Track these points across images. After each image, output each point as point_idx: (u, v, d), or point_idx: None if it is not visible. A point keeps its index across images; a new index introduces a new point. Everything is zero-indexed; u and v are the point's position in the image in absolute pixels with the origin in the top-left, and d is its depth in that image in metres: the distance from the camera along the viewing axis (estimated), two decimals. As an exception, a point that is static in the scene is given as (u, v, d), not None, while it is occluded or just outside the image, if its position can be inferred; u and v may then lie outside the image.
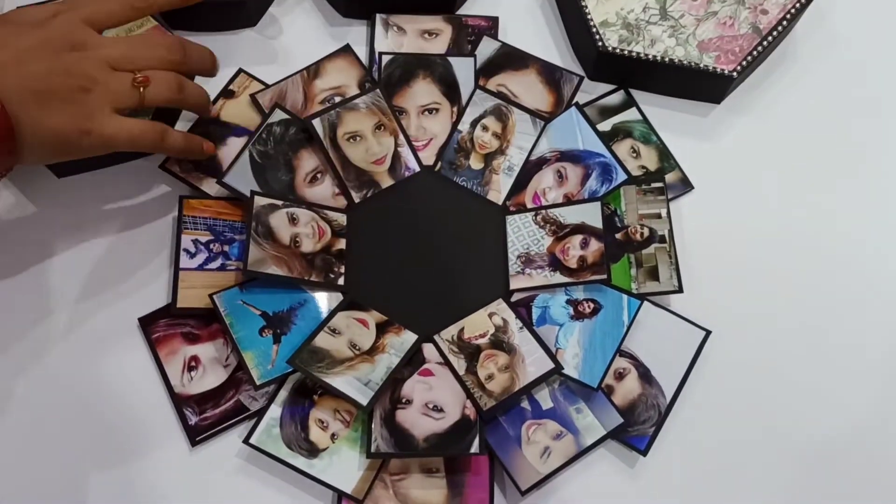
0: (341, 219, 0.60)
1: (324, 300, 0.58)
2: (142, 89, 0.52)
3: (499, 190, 0.62)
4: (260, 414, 0.55)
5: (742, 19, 0.64)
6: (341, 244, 0.59)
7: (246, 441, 0.54)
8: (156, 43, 0.55)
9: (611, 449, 0.56)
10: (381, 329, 0.57)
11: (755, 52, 0.63)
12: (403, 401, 0.55)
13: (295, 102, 0.63)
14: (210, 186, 0.60)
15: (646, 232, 0.60)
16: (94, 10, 0.53)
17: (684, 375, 0.57)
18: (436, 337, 0.57)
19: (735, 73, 0.63)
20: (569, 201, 0.61)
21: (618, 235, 0.61)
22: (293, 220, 0.58)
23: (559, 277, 0.58)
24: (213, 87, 0.64)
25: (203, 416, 0.56)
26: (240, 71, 0.65)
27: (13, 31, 0.50)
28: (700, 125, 0.66)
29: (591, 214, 0.60)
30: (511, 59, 0.66)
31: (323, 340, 0.56)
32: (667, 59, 0.63)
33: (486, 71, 0.65)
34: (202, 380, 0.56)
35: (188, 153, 0.57)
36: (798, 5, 0.64)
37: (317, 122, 0.61)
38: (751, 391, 0.58)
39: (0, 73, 0.47)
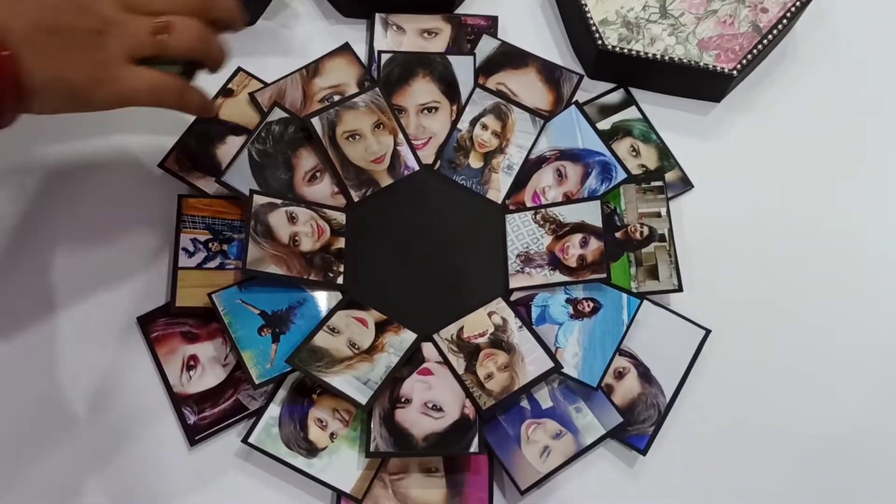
0: (340, 217, 0.60)
1: (323, 299, 0.58)
2: (163, 36, 0.46)
3: (498, 189, 0.61)
4: (259, 413, 0.55)
5: (742, 18, 0.64)
6: (340, 243, 0.59)
7: (245, 440, 0.54)
8: None
9: (610, 448, 0.56)
10: (381, 328, 0.57)
11: (755, 51, 0.63)
12: (403, 400, 0.55)
13: (294, 101, 0.63)
14: (209, 185, 0.60)
15: (645, 231, 0.60)
16: None
17: (684, 374, 0.57)
18: (435, 336, 0.57)
19: (735, 72, 0.63)
20: (568, 200, 0.61)
21: (617, 234, 0.61)
22: (292, 218, 0.58)
23: (559, 276, 0.58)
24: (212, 86, 0.64)
25: (202, 416, 0.55)
26: (239, 69, 0.65)
27: None
28: (700, 124, 0.66)
29: (590, 213, 0.60)
30: (510, 57, 0.66)
31: (322, 339, 0.56)
32: (667, 58, 0.63)
33: (485, 69, 0.65)
34: (201, 379, 0.56)
35: (203, 112, 0.52)
36: (798, 4, 0.64)
37: (316, 121, 0.61)
38: (751, 390, 0.58)
39: (5, 11, 0.41)
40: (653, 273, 0.59)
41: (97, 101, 0.45)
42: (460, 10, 0.69)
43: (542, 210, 0.60)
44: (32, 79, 0.42)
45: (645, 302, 0.58)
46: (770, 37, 0.63)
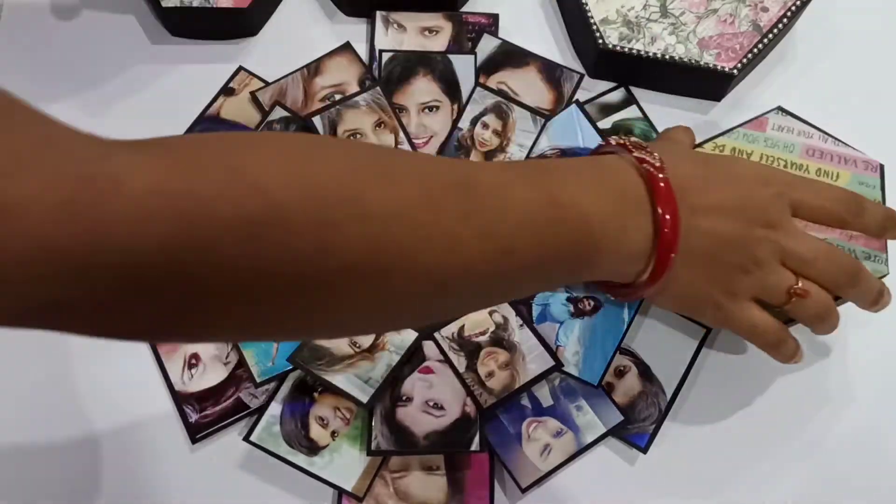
0: (341, 216, 0.60)
1: (324, 298, 0.58)
2: (792, 299, 0.48)
3: (499, 187, 0.61)
4: (260, 411, 0.55)
5: (742, 17, 0.64)
6: (341, 242, 0.59)
7: (246, 438, 0.54)
8: (843, 263, 0.49)
9: (611, 446, 0.56)
10: (382, 327, 0.57)
11: (755, 50, 0.63)
12: (404, 398, 0.55)
13: (295, 100, 0.63)
14: (210, 184, 0.60)
15: (646, 230, 0.60)
16: (805, 198, 0.49)
17: (685, 373, 0.57)
18: (436, 334, 0.57)
19: (735, 71, 0.63)
20: (569, 199, 0.61)
21: (618, 233, 0.61)
22: (293, 217, 0.58)
23: (559, 275, 0.58)
24: (212, 84, 0.64)
25: (203, 414, 0.56)
26: (240, 68, 0.65)
27: (720, 175, 0.49)
28: (700, 123, 0.66)
29: (591, 212, 0.60)
30: (511, 56, 0.66)
31: (323, 338, 0.56)
32: (667, 57, 0.63)
33: (486, 68, 0.65)
34: (202, 377, 0.56)
35: (785, 362, 0.53)
36: (799, 3, 0.64)
37: (317, 120, 0.61)
38: (751, 388, 0.58)
39: (695, 215, 0.46)
40: (653, 272, 0.59)
41: (706, 316, 0.51)
42: (462, 9, 0.69)
43: (543, 209, 0.60)
44: (668, 281, 0.46)
45: (645, 300, 0.58)
46: (770, 36, 0.63)
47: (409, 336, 0.56)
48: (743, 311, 0.49)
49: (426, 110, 0.64)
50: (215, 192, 0.31)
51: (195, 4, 0.63)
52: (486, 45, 0.66)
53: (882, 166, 0.57)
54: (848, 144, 0.58)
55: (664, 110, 0.66)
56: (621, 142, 0.48)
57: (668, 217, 0.44)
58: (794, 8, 0.64)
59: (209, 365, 0.56)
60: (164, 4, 0.63)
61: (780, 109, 0.60)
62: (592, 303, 0.58)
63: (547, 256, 0.42)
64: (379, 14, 0.67)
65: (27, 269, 0.28)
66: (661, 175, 0.45)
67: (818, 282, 0.49)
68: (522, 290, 0.47)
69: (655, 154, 0.46)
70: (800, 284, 0.48)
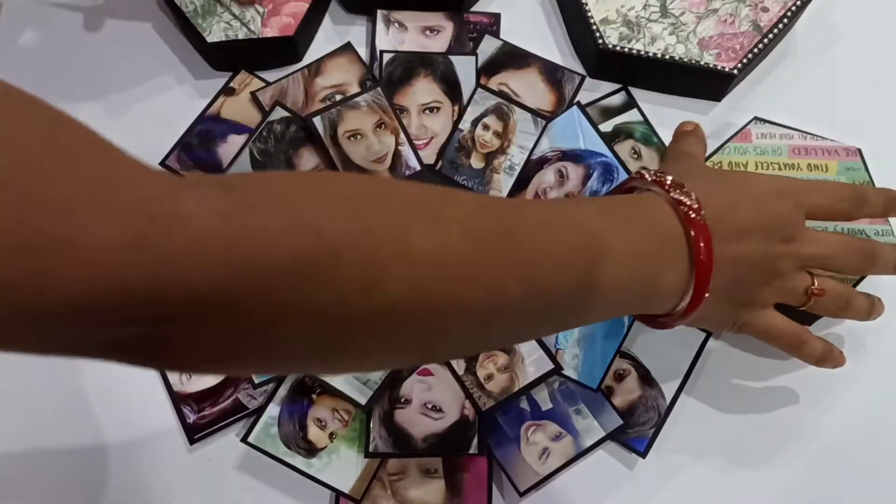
0: (341, 217, 0.60)
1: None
2: (811, 300, 0.50)
3: (500, 189, 0.61)
4: (258, 412, 0.55)
5: (742, 17, 0.64)
6: (341, 243, 0.59)
7: (244, 440, 0.54)
8: (859, 248, 0.51)
9: (610, 450, 0.56)
10: (381, 328, 0.57)
11: (756, 50, 0.63)
12: (402, 400, 0.55)
13: (296, 100, 0.63)
14: (209, 184, 0.60)
15: (646, 232, 0.60)
16: (817, 201, 0.51)
17: (684, 377, 0.57)
18: (435, 336, 0.57)
19: (735, 71, 0.62)
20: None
21: (618, 235, 0.60)
22: (293, 218, 0.58)
23: (559, 277, 0.58)
24: (212, 84, 0.64)
25: (201, 415, 0.56)
26: (240, 68, 0.65)
27: (741, 197, 0.49)
28: (700, 123, 0.65)
29: (591, 214, 0.60)
30: (512, 57, 0.66)
31: (322, 340, 0.56)
32: (667, 57, 0.63)
33: (487, 69, 0.65)
34: (201, 378, 0.56)
35: (820, 364, 0.54)
36: (799, 3, 0.63)
37: (317, 120, 0.61)
38: (751, 392, 0.58)
39: (723, 242, 0.47)
40: (653, 274, 0.59)
41: (725, 328, 0.52)
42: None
43: (543, 210, 0.60)
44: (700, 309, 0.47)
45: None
46: (770, 36, 0.63)
47: (407, 338, 0.56)
48: (759, 319, 0.51)
49: (427, 111, 0.63)
50: (272, 235, 0.32)
51: (240, 37, 0.63)
52: (488, 46, 0.66)
53: (860, 150, 0.59)
54: (824, 137, 0.60)
55: (664, 110, 0.65)
56: (657, 179, 0.48)
57: (703, 258, 0.45)
58: (794, 8, 0.63)
59: (208, 366, 0.56)
60: (209, 40, 0.62)
61: (757, 119, 0.62)
62: (592, 305, 0.58)
63: (583, 298, 0.43)
64: (380, 13, 0.66)
65: (92, 304, 0.29)
66: (698, 217, 0.46)
67: (841, 272, 0.51)
68: (554, 327, 0.48)
69: (693, 195, 0.47)
70: (816, 284, 0.50)
